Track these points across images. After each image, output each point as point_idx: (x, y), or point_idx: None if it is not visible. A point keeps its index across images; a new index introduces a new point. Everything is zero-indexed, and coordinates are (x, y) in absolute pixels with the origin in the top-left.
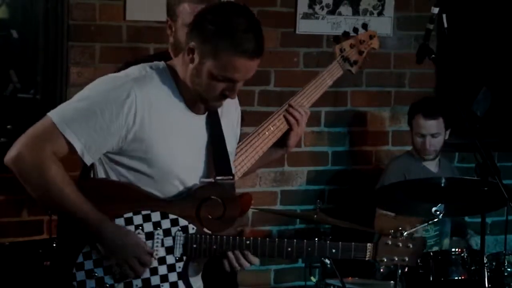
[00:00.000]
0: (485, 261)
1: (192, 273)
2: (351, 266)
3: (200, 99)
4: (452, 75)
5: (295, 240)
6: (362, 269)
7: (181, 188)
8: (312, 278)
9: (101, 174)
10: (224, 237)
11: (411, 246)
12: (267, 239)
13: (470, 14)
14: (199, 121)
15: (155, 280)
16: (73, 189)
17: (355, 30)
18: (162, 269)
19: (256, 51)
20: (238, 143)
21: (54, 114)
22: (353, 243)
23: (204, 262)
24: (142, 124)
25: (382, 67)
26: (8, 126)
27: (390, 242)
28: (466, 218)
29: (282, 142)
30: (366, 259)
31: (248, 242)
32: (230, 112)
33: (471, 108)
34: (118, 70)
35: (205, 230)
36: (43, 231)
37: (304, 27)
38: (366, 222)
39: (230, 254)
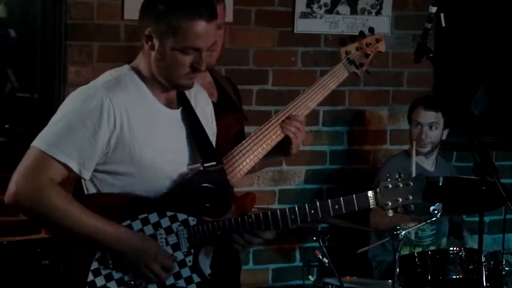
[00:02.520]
0: (483, 260)
1: (202, 263)
2: (349, 265)
3: (171, 84)
4: (450, 74)
5: (296, 206)
6: (359, 268)
7: (171, 183)
8: (310, 277)
9: (91, 189)
10: (226, 221)
11: (411, 183)
12: (268, 212)
13: (468, 13)
14: (176, 116)
15: (169, 279)
16: (79, 208)
17: (362, 33)
18: (174, 267)
19: (211, 12)
20: (240, 143)
21: (38, 142)
22: (354, 194)
23: (212, 250)
24: (122, 128)
25: (380, 66)
26: (6, 126)
27: (390, 185)
28: (464, 218)
29: (283, 149)
30: (371, 207)
31: (250, 220)
32: (202, 108)
33: (469, 107)
34: None
35: (205, 218)
36: (41, 230)
37: (302, 26)
38: (364, 221)
39: (240, 240)
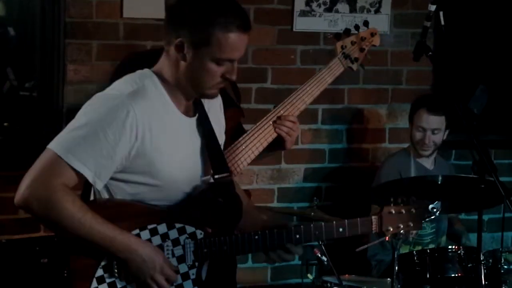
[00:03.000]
0: (481, 258)
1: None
2: (348, 263)
3: (198, 93)
4: (449, 72)
5: (302, 226)
6: (358, 266)
7: (185, 192)
8: (309, 275)
9: (103, 194)
10: (233, 236)
11: (413, 210)
12: (275, 230)
13: (467, 11)
14: (192, 124)
15: None
16: (91, 214)
17: (357, 27)
18: (177, 279)
19: (247, 24)
20: (237, 139)
21: (56, 146)
22: (358, 218)
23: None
24: (143, 139)
25: (379, 65)
26: (5, 124)
27: (393, 211)
28: (463, 216)
29: (278, 144)
30: (373, 231)
31: (256, 237)
32: (215, 111)
33: (468, 106)
34: (117, 69)
35: (212, 232)
36: (39, 228)
37: (301, 24)
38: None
39: (273, 255)
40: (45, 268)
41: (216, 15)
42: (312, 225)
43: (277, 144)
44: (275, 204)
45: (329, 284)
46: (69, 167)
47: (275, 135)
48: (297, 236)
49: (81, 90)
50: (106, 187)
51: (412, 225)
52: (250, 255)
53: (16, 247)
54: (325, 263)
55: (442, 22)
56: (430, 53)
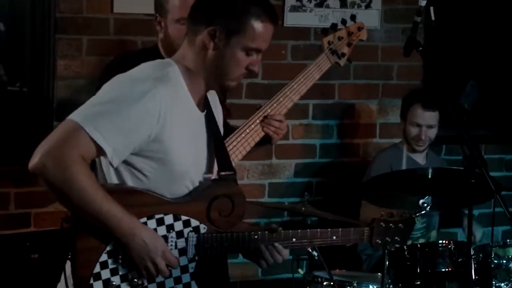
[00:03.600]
0: (472, 253)
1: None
2: (338, 258)
3: (219, 84)
4: (439, 67)
5: (299, 231)
6: (349, 261)
7: (190, 187)
8: (299, 270)
9: (112, 178)
10: (234, 233)
11: (401, 226)
12: (274, 233)
13: (457, 6)
14: (202, 118)
15: (169, 283)
16: (102, 192)
17: (344, 22)
18: (175, 271)
19: (276, 16)
20: (228, 137)
21: (79, 117)
22: (352, 229)
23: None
24: (163, 125)
25: (369, 60)
26: None
27: (383, 224)
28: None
29: (266, 140)
30: (364, 242)
31: (256, 236)
32: (217, 107)
33: (458, 101)
34: (108, 65)
35: (216, 228)
36: (30, 223)
37: (291, 19)
38: (354, 214)
39: (263, 248)
40: (36, 263)
41: (251, 4)
42: (308, 231)
43: (265, 140)
44: (266, 199)
45: (319, 279)
46: (90, 140)
47: (262, 134)
48: (294, 239)
49: (71, 85)
50: (117, 171)
51: (398, 239)
52: None
53: (7, 243)
54: (316, 258)
55: (433, 18)
56: (420, 48)
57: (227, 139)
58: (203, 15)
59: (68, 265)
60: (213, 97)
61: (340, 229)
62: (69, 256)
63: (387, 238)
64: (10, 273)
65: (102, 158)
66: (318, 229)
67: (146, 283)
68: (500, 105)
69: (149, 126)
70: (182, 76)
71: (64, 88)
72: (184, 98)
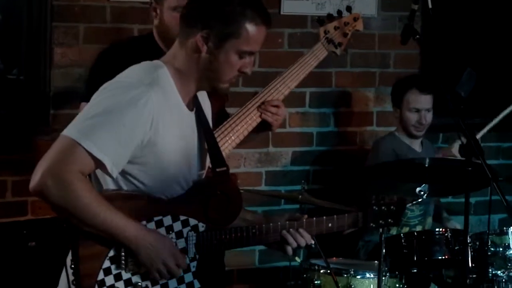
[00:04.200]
0: (468, 241)
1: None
2: (336, 246)
3: (211, 86)
4: (436, 55)
5: (295, 222)
6: (346, 249)
7: (185, 187)
8: (296, 258)
9: (109, 184)
10: (232, 229)
11: (394, 208)
12: (271, 224)
13: None
14: (192, 118)
15: (172, 283)
16: (106, 205)
17: (339, 12)
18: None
19: (269, 19)
20: (223, 123)
21: (74, 133)
22: (346, 214)
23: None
24: (156, 129)
25: (366, 48)
26: None
27: (376, 208)
28: (450, 199)
29: (264, 126)
30: (359, 227)
31: (254, 230)
32: (205, 102)
33: (455, 89)
34: (105, 52)
35: (214, 225)
36: (27, 211)
37: (288, 7)
38: (351, 202)
39: (286, 233)
40: (32, 251)
41: (246, 8)
42: (304, 220)
43: (264, 126)
44: (263, 187)
45: (316, 267)
46: (88, 154)
47: (259, 120)
48: (291, 230)
49: (68, 73)
50: (113, 178)
51: (391, 221)
52: None
53: (3, 231)
54: (313, 246)
55: (430, 5)
56: (417, 36)
57: (222, 125)
58: (197, 18)
59: (70, 272)
60: (201, 93)
61: (335, 216)
62: (72, 266)
63: (381, 221)
64: (7, 261)
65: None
66: (314, 218)
67: (150, 286)
68: (497, 93)
69: (143, 132)
70: (171, 77)
71: (61, 76)
72: (174, 100)
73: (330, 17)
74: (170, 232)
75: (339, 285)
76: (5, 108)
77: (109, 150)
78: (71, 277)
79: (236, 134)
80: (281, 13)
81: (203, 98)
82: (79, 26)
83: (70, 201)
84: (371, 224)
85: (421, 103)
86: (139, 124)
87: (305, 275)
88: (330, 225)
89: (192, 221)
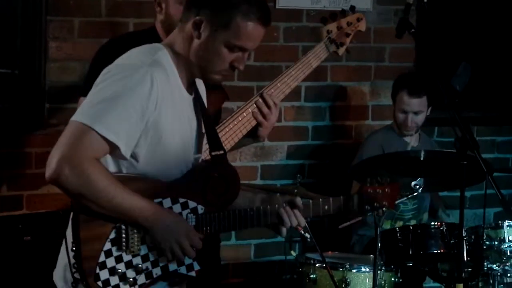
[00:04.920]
0: (464, 235)
1: None
2: (331, 240)
3: (203, 75)
4: (431, 49)
5: (295, 202)
6: (341, 243)
7: (183, 169)
8: (292, 252)
9: (110, 166)
10: (231, 211)
11: (388, 190)
12: (269, 206)
13: None
14: (190, 101)
15: (172, 265)
16: (122, 187)
17: (343, 12)
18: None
19: (268, 18)
20: (221, 122)
21: (85, 118)
22: (341, 197)
23: None
24: (160, 109)
25: (362, 42)
26: None
27: (371, 191)
28: (445, 193)
29: (254, 133)
30: (355, 208)
31: (252, 212)
32: (202, 88)
33: (450, 83)
34: (102, 49)
35: (213, 208)
36: (22, 206)
37: (284, 1)
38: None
39: (283, 211)
40: (28, 245)
41: (241, 2)
42: (301, 202)
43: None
44: (258, 181)
45: (312, 261)
46: (101, 139)
47: (254, 122)
48: (287, 208)
49: (63, 67)
50: (114, 161)
51: (386, 204)
52: (234, 233)
53: None
54: (308, 240)
55: None
56: (412, 30)
57: (219, 125)
58: (194, 3)
59: (70, 253)
60: (198, 80)
61: (330, 198)
62: (73, 249)
63: (375, 204)
64: (2, 255)
65: None
66: (310, 200)
67: (150, 268)
68: (492, 87)
69: (149, 112)
70: (171, 59)
71: (56, 70)
72: (175, 81)
73: (333, 17)
74: None
75: (335, 279)
76: (0, 103)
77: (121, 132)
78: (72, 260)
79: (234, 134)
80: (277, 7)
81: (200, 85)
82: (74, 20)
83: (87, 187)
84: (366, 207)
85: (409, 106)
86: (148, 104)
87: (300, 269)
88: (326, 207)
89: (191, 204)
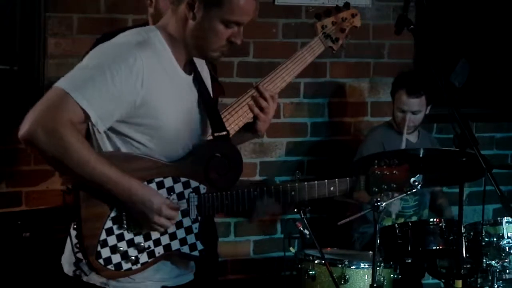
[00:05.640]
0: (462, 231)
1: None
2: (330, 236)
3: (201, 54)
4: (430, 46)
5: (296, 184)
6: (341, 240)
7: (185, 150)
8: (291, 248)
9: (108, 147)
10: (234, 192)
11: (396, 172)
12: (272, 186)
13: None
14: (189, 81)
15: (175, 244)
16: (96, 154)
17: (338, 8)
18: (180, 233)
19: None
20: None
21: (64, 83)
22: (348, 179)
23: None
24: (148, 88)
25: (361, 38)
26: None
27: (379, 172)
28: (445, 189)
29: (251, 127)
30: (360, 190)
31: (255, 192)
32: (206, 77)
33: (449, 79)
34: (97, 42)
35: (215, 187)
36: (21, 202)
37: None
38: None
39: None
40: (27, 242)
41: None
42: (306, 183)
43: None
44: (257, 178)
45: (311, 257)
46: (76, 104)
47: (251, 115)
48: (293, 193)
49: (62, 63)
50: (111, 141)
51: (394, 186)
52: (232, 229)
53: None
54: (308, 236)
55: None
56: (411, 26)
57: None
58: None
59: (73, 235)
60: (199, 60)
61: (336, 179)
62: (74, 226)
63: (383, 186)
64: (1, 251)
65: (95, 129)
66: (316, 181)
67: (152, 247)
68: (491, 83)
69: (134, 91)
70: (165, 41)
71: (55, 66)
72: (168, 62)
73: (327, 13)
74: (172, 193)
75: (334, 275)
76: None
77: (95, 103)
78: (74, 240)
79: (230, 126)
80: (276, 3)
81: (201, 64)
82: (73, 17)
83: (59, 147)
84: (374, 189)
85: (407, 106)
86: (129, 79)
87: (299, 266)
88: (332, 188)
89: (193, 183)
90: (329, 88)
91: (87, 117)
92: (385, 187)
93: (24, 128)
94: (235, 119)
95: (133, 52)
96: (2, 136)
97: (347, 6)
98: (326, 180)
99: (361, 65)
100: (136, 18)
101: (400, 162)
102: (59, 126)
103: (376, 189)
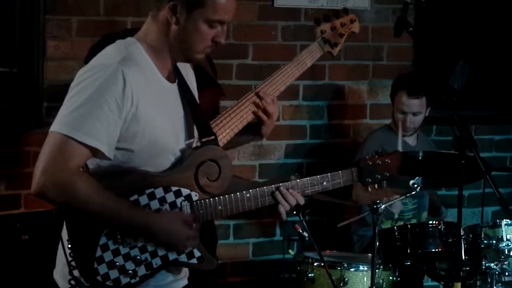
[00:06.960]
0: (461, 234)
1: None
2: (329, 239)
3: (185, 57)
4: (429, 48)
5: (289, 183)
6: (340, 242)
7: (173, 158)
8: (290, 251)
9: (93, 164)
10: (227, 196)
11: (389, 161)
12: (265, 187)
13: None
14: (174, 89)
15: (172, 255)
16: (108, 195)
17: (336, 14)
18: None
19: None
20: (216, 117)
21: (62, 128)
22: (340, 172)
23: None
24: (137, 104)
25: (360, 41)
26: None
27: (370, 163)
28: (443, 192)
29: (256, 130)
30: (354, 182)
31: (248, 195)
32: (191, 82)
33: (448, 81)
34: (96, 44)
35: (207, 193)
36: (20, 205)
37: (282, 0)
38: (344, 195)
39: (277, 194)
40: (26, 244)
41: None
42: (298, 181)
43: (254, 130)
44: (256, 180)
45: (310, 260)
46: (82, 146)
47: (251, 117)
48: (281, 188)
49: (61, 66)
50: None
51: (388, 175)
52: (232, 232)
53: None
54: (307, 238)
55: None
56: (410, 29)
57: (215, 119)
58: None
59: (66, 249)
60: (183, 65)
61: (329, 174)
62: (69, 246)
63: (377, 175)
64: (0, 254)
65: None
66: (307, 178)
67: (149, 259)
68: (490, 86)
69: (126, 109)
70: (146, 52)
71: (54, 69)
72: (151, 73)
73: (326, 18)
74: (164, 203)
75: (333, 277)
76: None
77: (101, 135)
78: (69, 258)
79: (230, 128)
80: (275, 5)
81: (187, 70)
82: (72, 19)
83: (70, 196)
84: (367, 179)
85: (408, 107)
86: (122, 102)
87: (299, 268)
88: (325, 183)
89: (185, 191)
90: (328, 91)
91: (95, 152)
92: (379, 176)
93: (34, 184)
94: (235, 121)
95: (120, 72)
96: (1, 139)
97: (346, 11)
98: (318, 176)
99: (360, 68)
100: (135, 21)
101: (391, 151)
102: (68, 177)
103: (370, 180)
